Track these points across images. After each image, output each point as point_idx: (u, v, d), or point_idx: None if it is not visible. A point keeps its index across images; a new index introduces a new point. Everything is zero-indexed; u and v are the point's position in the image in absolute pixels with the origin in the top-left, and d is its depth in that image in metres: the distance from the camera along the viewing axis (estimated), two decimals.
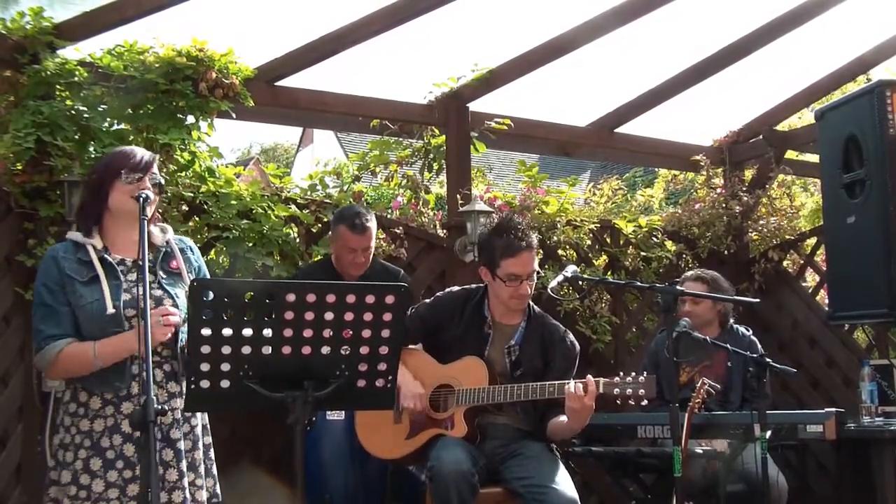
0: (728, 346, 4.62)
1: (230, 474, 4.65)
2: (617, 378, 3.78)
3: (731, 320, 5.30)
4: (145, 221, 2.88)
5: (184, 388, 3.08)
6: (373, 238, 4.79)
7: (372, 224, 4.75)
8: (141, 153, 3.16)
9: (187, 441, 3.10)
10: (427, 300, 4.40)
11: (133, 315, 2.99)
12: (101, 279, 3.00)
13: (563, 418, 3.88)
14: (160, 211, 3.32)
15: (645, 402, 3.79)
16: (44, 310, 3.00)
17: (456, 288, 4.40)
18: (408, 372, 4.06)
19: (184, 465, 3.03)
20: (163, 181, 3.17)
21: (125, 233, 3.11)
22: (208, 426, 3.25)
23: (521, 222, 4.11)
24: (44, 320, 2.99)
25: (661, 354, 5.13)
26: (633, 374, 3.76)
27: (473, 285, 4.28)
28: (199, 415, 3.17)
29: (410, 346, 4.18)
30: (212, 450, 3.24)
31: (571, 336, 4.23)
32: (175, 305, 3.06)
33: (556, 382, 3.85)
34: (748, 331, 5.28)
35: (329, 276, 4.71)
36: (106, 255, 3.07)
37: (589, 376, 3.84)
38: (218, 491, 3.22)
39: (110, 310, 2.96)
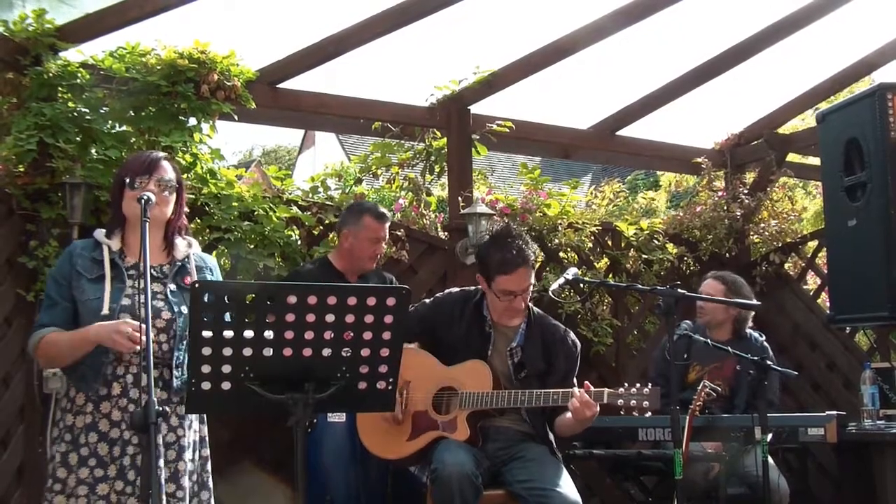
0: (729, 349, 4.61)
1: (231, 476, 4.67)
2: (622, 389, 3.80)
3: (748, 328, 5.28)
4: (147, 224, 2.88)
5: (171, 396, 3.10)
6: None
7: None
8: (147, 154, 3.21)
9: (171, 451, 3.08)
10: (427, 300, 4.40)
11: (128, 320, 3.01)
12: (106, 279, 3.05)
13: (569, 415, 3.91)
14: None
15: (649, 414, 3.81)
16: (47, 301, 3.11)
17: (455, 289, 4.41)
18: None
19: (160, 473, 2.99)
20: (175, 181, 3.18)
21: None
22: (206, 438, 3.24)
23: (519, 235, 4.07)
24: (44, 310, 3.11)
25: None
26: (638, 385, 3.79)
27: (472, 287, 4.28)
28: (194, 426, 3.17)
29: (408, 346, 4.17)
30: (209, 462, 3.23)
31: (573, 335, 4.24)
32: (173, 320, 3.07)
33: (560, 391, 3.87)
34: (761, 336, 5.28)
35: (330, 275, 4.72)
36: (117, 258, 3.11)
37: (587, 383, 3.86)
38: (213, 503, 3.22)
39: (105, 310, 3.00)
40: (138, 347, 2.94)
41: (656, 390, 3.76)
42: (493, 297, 4.07)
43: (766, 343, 5.22)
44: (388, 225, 4.89)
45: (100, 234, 3.17)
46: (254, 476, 4.90)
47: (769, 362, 4.39)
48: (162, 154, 3.25)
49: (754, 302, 4.60)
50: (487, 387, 3.98)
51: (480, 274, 4.14)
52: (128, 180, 3.10)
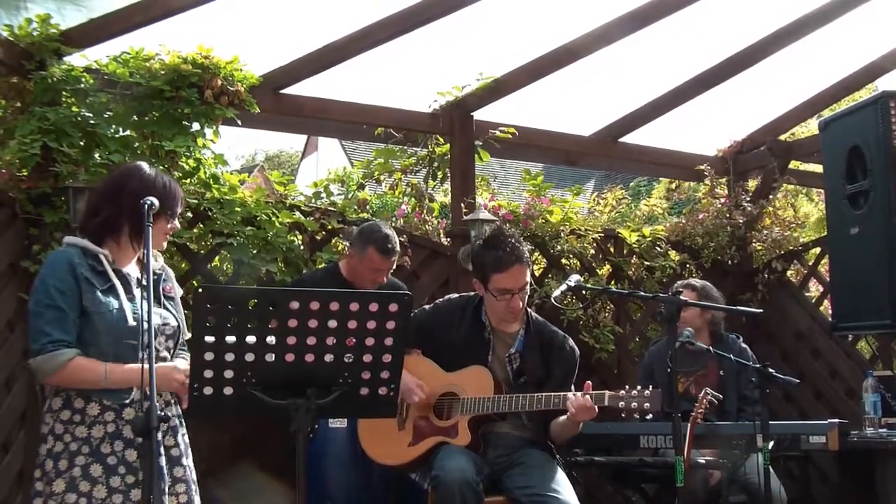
0: (731, 356, 4.63)
1: (232, 481, 4.67)
2: (622, 391, 3.80)
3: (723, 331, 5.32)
4: (150, 228, 2.87)
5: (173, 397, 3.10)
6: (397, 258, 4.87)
7: (398, 246, 4.83)
8: (175, 184, 3.18)
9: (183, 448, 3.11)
10: (426, 306, 4.41)
11: (144, 329, 2.98)
12: (119, 290, 3.01)
13: (562, 419, 3.94)
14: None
15: (650, 416, 3.81)
16: (53, 312, 2.92)
17: (454, 295, 4.43)
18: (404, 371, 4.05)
19: (179, 471, 3.03)
20: None
21: (128, 249, 3.13)
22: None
23: (512, 235, 4.09)
24: (52, 323, 2.91)
25: (656, 365, 5.15)
26: (639, 387, 3.78)
27: (471, 293, 4.29)
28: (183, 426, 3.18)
29: (410, 353, 4.17)
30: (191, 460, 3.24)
31: (571, 342, 4.24)
32: (179, 327, 3.11)
33: (560, 394, 3.87)
34: (739, 338, 5.31)
35: (337, 284, 4.71)
36: (118, 268, 3.08)
37: (588, 382, 3.86)
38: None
39: (131, 322, 2.97)
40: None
41: (657, 392, 3.76)
42: (491, 299, 4.06)
43: (743, 344, 5.25)
44: (393, 258, 4.78)
45: (84, 242, 3.06)
46: (254, 481, 4.90)
47: (770, 370, 4.38)
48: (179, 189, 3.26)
49: (755, 310, 4.60)
50: (489, 392, 3.98)
51: (476, 278, 4.14)
52: (158, 204, 2.95)
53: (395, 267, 5.46)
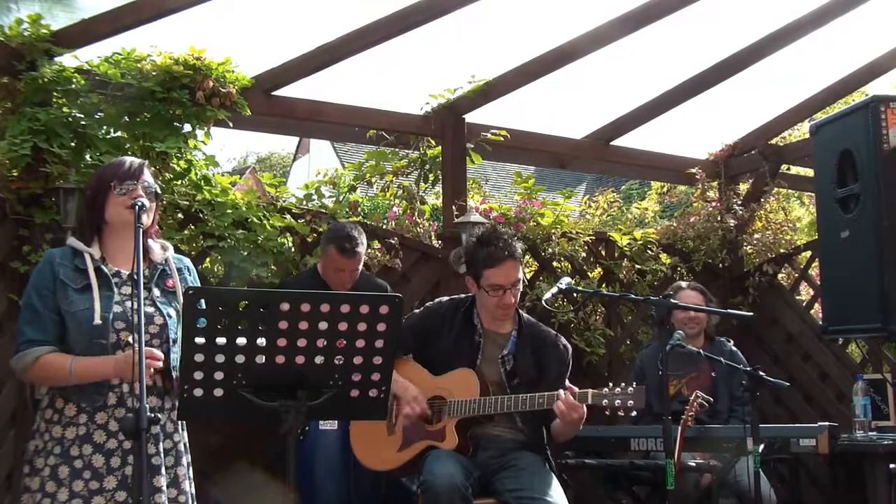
0: (721, 359, 4.64)
1: (223, 483, 4.65)
2: (606, 389, 3.79)
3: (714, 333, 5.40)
4: (140, 229, 2.86)
5: (165, 404, 3.06)
6: (361, 260, 4.82)
7: (362, 248, 4.78)
8: (129, 160, 3.15)
9: (169, 457, 3.05)
10: (416, 311, 4.40)
11: (122, 328, 2.97)
12: (94, 288, 2.98)
13: (557, 421, 3.93)
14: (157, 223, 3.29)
15: (634, 413, 3.81)
16: (30, 313, 2.99)
17: (445, 298, 4.42)
18: (402, 378, 4.06)
19: (161, 480, 2.97)
20: (159, 189, 3.18)
21: (124, 245, 3.08)
22: (188, 444, 3.20)
23: (505, 232, 4.11)
24: (28, 323, 2.98)
25: (648, 369, 5.17)
26: (623, 384, 3.78)
27: (462, 295, 4.29)
28: (181, 431, 3.15)
29: (402, 357, 4.17)
30: (191, 468, 3.20)
31: (563, 340, 4.24)
32: (165, 325, 3.05)
33: (546, 394, 3.86)
34: (729, 341, 5.37)
35: (317, 286, 4.71)
36: (102, 266, 3.05)
37: (570, 385, 3.86)
38: None
39: (97, 320, 2.94)
40: (160, 364, 2.93)
41: (641, 389, 3.75)
42: (483, 296, 4.07)
43: (734, 348, 5.30)
44: (356, 259, 4.73)
45: (76, 241, 3.09)
46: (244, 483, 4.88)
47: (760, 373, 4.40)
48: (143, 160, 3.22)
49: (747, 313, 4.62)
50: (475, 394, 3.97)
51: (469, 276, 4.14)
52: (114, 186, 3.04)
53: (383, 263, 5.47)
